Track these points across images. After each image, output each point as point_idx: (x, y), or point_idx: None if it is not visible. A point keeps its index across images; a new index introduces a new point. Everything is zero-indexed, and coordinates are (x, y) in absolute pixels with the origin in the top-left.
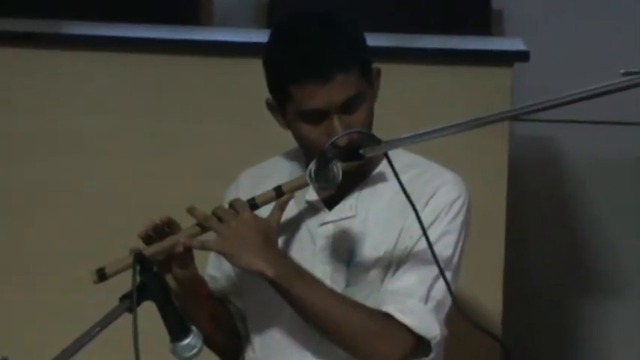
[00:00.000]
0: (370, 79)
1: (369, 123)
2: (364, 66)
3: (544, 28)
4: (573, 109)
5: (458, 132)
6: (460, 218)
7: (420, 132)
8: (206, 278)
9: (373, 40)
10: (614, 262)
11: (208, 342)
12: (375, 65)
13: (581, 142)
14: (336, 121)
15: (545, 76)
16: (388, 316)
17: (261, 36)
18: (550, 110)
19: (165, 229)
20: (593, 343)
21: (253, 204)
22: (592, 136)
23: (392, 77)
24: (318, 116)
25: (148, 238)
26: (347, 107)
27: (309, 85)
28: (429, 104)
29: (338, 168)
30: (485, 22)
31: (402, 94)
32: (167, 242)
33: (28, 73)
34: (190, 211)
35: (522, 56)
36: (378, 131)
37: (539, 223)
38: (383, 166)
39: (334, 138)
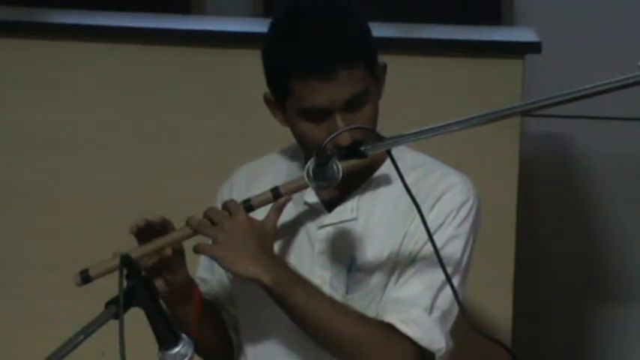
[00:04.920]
0: (376, 74)
1: (374, 122)
2: (370, 61)
3: (557, 17)
4: (587, 104)
5: (466, 128)
6: (469, 222)
7: (426, 128)
8: (197, 281)
9: (377, 30)
10: (630, 265)
11: (198, 348)
12: (381, 60)
13: (595, 139)
14: (339, 121)
15: (558, 69)
16: (390, 327)
17: (256, 25)
18: (563, 105)
19: (157, 226)
20: (609, 352)
21: (248, 206)
22: (607, 133)
23: (396, 69)
24: (320, 114)
25: (140, 233)
26: (351, 105)
27: (311, 82)
28: (435, 98)
29: (338, 166)
30: (495, 11)
31: (406, 87)
32: (156, 244)
33: (7, 64)
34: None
35: (534, 47)
36: (381, 127)
37: (551, 225)
38: (386, 167)
39: (334, 134)
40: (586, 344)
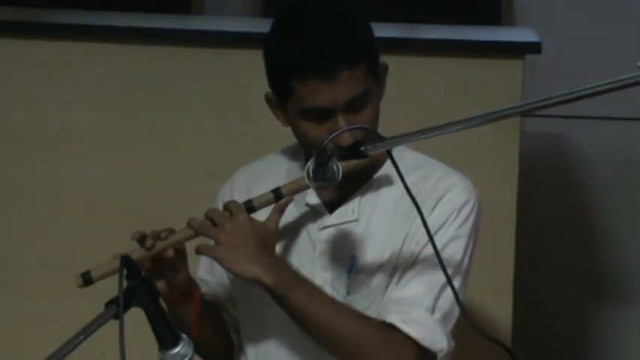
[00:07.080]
0: (377, 75)
1: (375, 122)
2: (372, 61)
3: (557, 17)
4: (587, 104)
5: (466, 128)
6: (469, 223)
7: (426, 128)
8: (197, 282)
9: (377, 30)
10: (630, 265)
11: (198, 348)
12: (383, 61)
13: (595, 139)
14: (340, 121)
15: (558, 69)
16: (392, 327)
17: (256, 26)
18: (563, 105)
19: (161, 234)
20: (609, 353)
21: (250, 207)
22: (607, 133)
23: (395, 70)
24: (321, 115)
25: (142, 240)
26: (352, 106)
27: (312, 82)
28: (435, 98)
29: (338, 166)
30: (495, 11)
31: (406, 87)
32: (157, 246)
33: (7, 64)
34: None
35: (534, 48)
36: (381, 127)
37: (551, 225)
38: (387, 168)
39: (334, 135)
40: (586, 344)
